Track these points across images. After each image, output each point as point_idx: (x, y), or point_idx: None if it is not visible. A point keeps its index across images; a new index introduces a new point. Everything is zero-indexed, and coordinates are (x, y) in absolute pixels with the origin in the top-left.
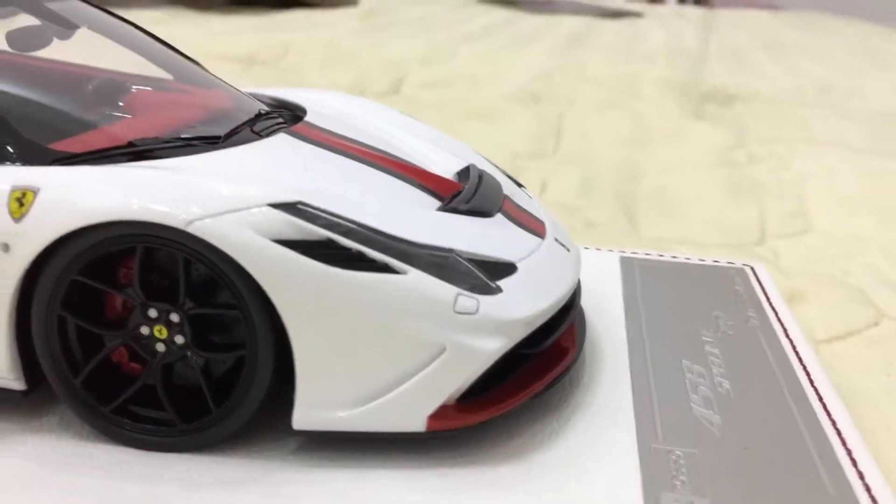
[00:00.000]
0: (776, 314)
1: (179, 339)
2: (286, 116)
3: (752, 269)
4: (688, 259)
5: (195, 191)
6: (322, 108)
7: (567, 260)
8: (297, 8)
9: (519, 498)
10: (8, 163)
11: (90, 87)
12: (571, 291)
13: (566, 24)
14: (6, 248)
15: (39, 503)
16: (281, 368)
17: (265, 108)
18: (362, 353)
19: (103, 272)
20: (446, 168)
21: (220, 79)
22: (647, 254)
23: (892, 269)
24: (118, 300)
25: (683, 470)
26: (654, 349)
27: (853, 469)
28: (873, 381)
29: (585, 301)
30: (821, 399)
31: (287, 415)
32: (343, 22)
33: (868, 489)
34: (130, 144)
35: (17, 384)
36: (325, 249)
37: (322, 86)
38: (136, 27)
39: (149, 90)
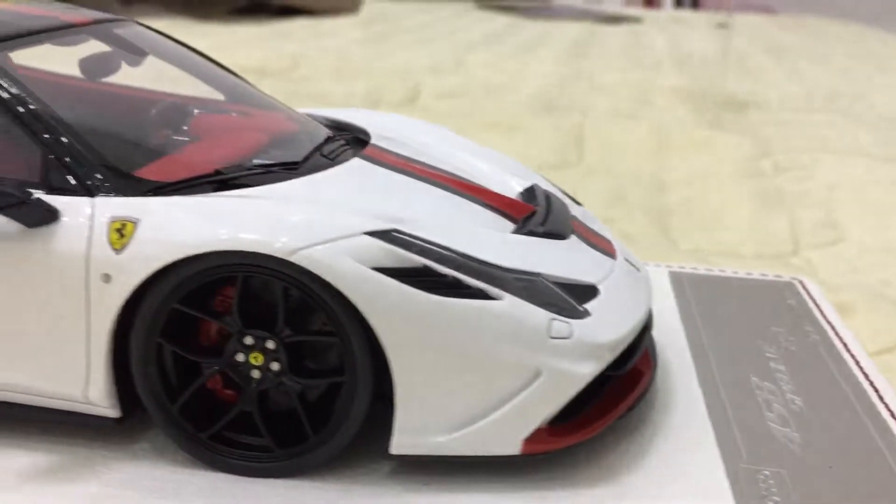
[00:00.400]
0: (833, 328)
1: (275, 366)
2: (349, 139)
3: (801, 282)
4: (735, 273)
5: (296, 221)
6: (376, 128)
7: (640, 280)
8: (298, 16)
9: None
10: (102, 193)
11: (159, 111)
12: (648, 312)
13: (567, 31)
14: (107, 278)
15: None
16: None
17: (328, 132)
18: (460, 378)
19: (199, 300)
20: (510, 188)
21: (276, 99)
22: (693, 268)
23: None
24: (213, 327)
25: (774, 490)
26: (721, 366)
27: None
28: None
29: None
30: (893, 415)
31: (377, 438)
32: (346, 30)
33: None
34: (217, 173)
35: (112, 412)
36: (422, 277)
37: (338, 97)
38: (188, 47)
39: (214, 114)
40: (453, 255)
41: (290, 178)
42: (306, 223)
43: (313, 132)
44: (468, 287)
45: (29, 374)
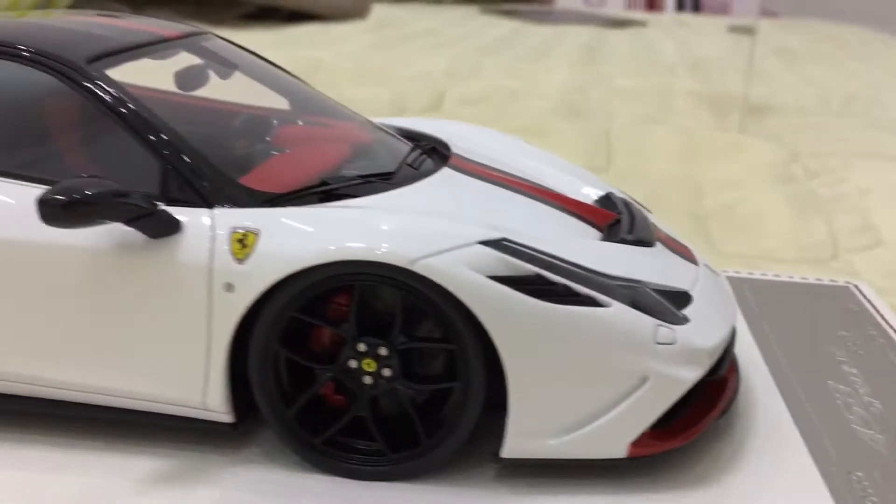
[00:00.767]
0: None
1: (387, 372)
2: (427, 148)
3: (857, 286)
4: (791, 278)
5: (414, 231)
6: (448, 136)
7: (722, 286)
8: (307, 21)
9: None
10: (221, 205)
11: (246, 123)
12: (736, 317)
13: (575, 35)
14: (230, 287)
15: None
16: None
17: (407, 143)
18: (571, 384)
19: (313, 307)
20: (586, 196)
21: (350, 109)
22: (750, 273)
23: None
24: (325, 334)
25: (870, 491)
26: (795, 370)
27: None
28: None
29: None
30: None
31: (476, 441)
32: (357, 36)
33: None
34: (324, 183)
35: (228, 417)
36: (535, 284)
37: (363, 102)
38: (261, 57)
39: (296, 125)
40: (561, 263)
41: (390, 189)
42: (424, 234)
43: (392, 142)
44: (578, 294)
45: (149, 381)
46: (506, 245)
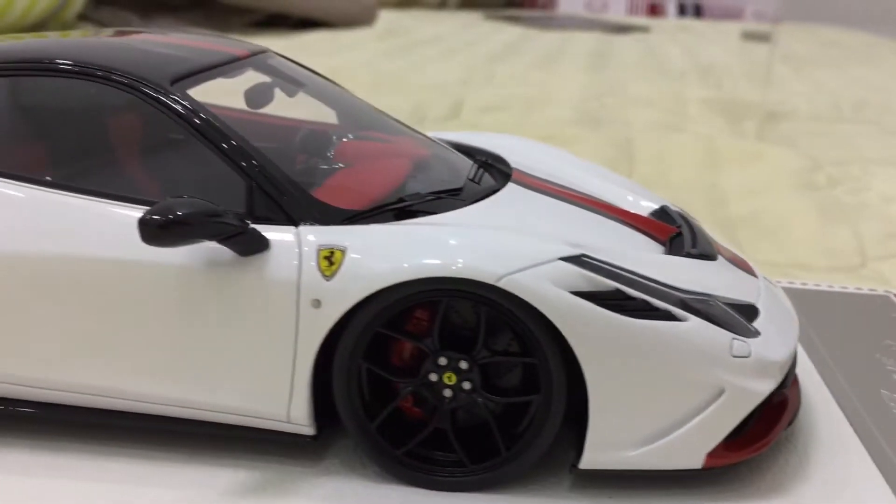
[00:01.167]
0: None
1: (467, 385)
2: (482, 163)
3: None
4: (830, 287)
5: (497, 248)
6: (502, 150)
7: (782, 297)
8: (316, 29)
9: None
10: (305, 222)
11: (309, 139)
12: (798, 329)
13: (582, 41)
14: (318, 303)
15: None
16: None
17: (465, 158)
18: (650, 397)
19: (395, 322)
20: (642, 209)
21: (403, 123)
22: (790, 283)
23: None
24: (406, 348)
25: None
26: (848, 380)
27: None
28: None
29: None
30: None
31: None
32: (366, 43)
33: None
34: (400, 200)
35: (310, 430)
36: (615, 300)
37: (385, 111)
38: (316, 73)
39: (355, 140)
40: (637, 277)
41: (462, 205)
42: (507, 250)
43: (450, 157)
44: (656, 309)
45: (235, 394)
46: (585, 261)
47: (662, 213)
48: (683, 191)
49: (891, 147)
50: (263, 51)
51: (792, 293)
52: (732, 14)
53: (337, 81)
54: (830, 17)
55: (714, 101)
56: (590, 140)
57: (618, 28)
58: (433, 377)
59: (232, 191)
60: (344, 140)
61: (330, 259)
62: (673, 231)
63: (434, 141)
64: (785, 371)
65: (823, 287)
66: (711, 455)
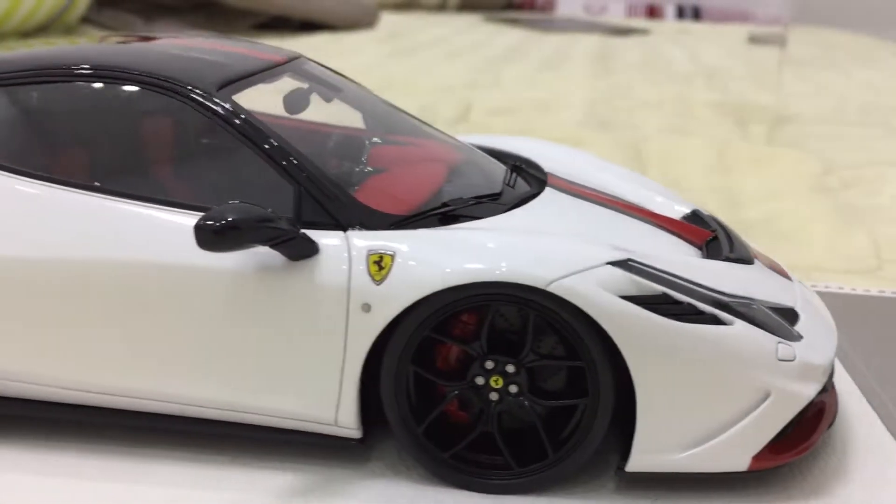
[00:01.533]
0: None
1: (513, 388)
2: (512, 167)
3: None
4: (853, 290)
5: (546, 252)
6: (528, 154)
7: (816, 300)
8: (318, 31)
9: None
10: (353, 227)
11: (344, 143)
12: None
13: (584, 44)
14: (367, 308)
15: None
16: None
17: (496, 162)
18: (697, 400)
19: (442, 325)
20: (675, 212)
21: (431, 126)
22: (813, 286)
23: None
24: (453, 352)
25: None
26: (879, 381)
27: None
28: None
29: None
30: None
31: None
32: (369, 46)
33: None
34: (444, 205)
35: (357, 433)
36: (662, 304)
37: None
38: (338, 73)
39: (387, 145)
40: (683, 281)
41: (504, 210)
42: (556, 255)
43: (482, 161)
44: (702, 313)
45: (284, 398)
46: (632, 265)
47: (695, 217)
48: (697, 194)
49: None
50: (298, 56)
51: (823, 297)
52: (731, 17)
53: None
54: (830, 18)
55: (721, 105)
56: (600, 143)
57: (618, 30)
58: (479, 380)
59: (279, 196)
60: (377, 144)
61: (380, 264)
62: (708, 235)
63: (466, 145)
64: (828, 374)
65: (847, 290)
66: (757, 458)
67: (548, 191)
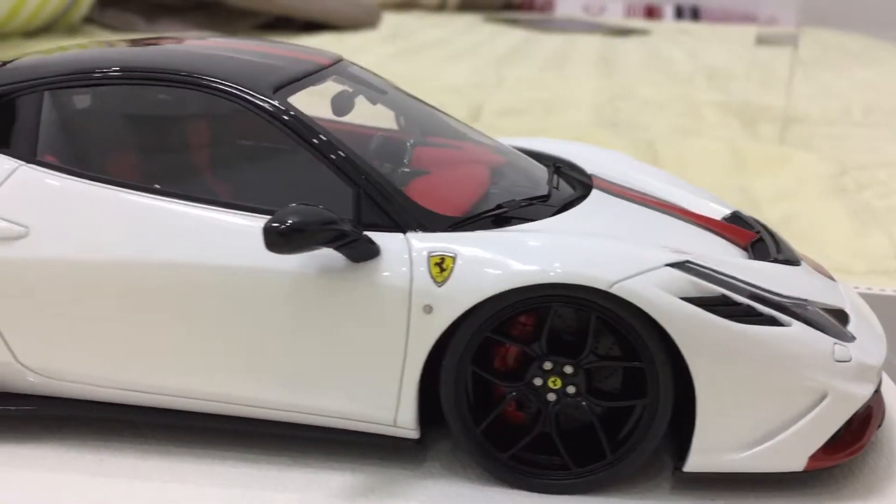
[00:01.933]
0: None
1: (571, 389)
2: (553, 168)
3: None
4: (882, 290)
5: (606, 254)
6: (566, 155)
7: (862, 302)
8: (321, 31)
9: None
10: (413, 229)
11: (387, 146)
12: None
13: (585, 44)
14: (429, 309)
15: None
16: None
17: (538, 164)
18: (755, 401)
19: (501, 326)
20: (715, 213)
21: (471, 127)
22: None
23: None
24: (511, 352)
25: None
26: None
27: None
28: None
29: None
30: None
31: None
32: (373, 46)
33: None
34: (499, 207)
35: (415, 434)
36: (722, 305)
37: None
38: (375, 75)
39: (429, 146)
40: (740, 283)
41: (555, 212)
42: (616, 257)
43: (524, 163)
44: (761, 314)
45: (344, 398)
46: (690, 267)
47: (736, 218)
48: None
49: None
50: (341, 58)
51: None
52: (731, 17)
53: None
54: (830, 19)
55: (727, 105)
56: (612, 144)
57: (618, 31)
58: (538, 381)
59: (338, 198)
60: (419, 146)
61: (441, 266)
62: (752, 236)
63: (507, 147)
64: (881, 374)
65: (876, 290)
66: (813, 458)
67: (595, 193)
